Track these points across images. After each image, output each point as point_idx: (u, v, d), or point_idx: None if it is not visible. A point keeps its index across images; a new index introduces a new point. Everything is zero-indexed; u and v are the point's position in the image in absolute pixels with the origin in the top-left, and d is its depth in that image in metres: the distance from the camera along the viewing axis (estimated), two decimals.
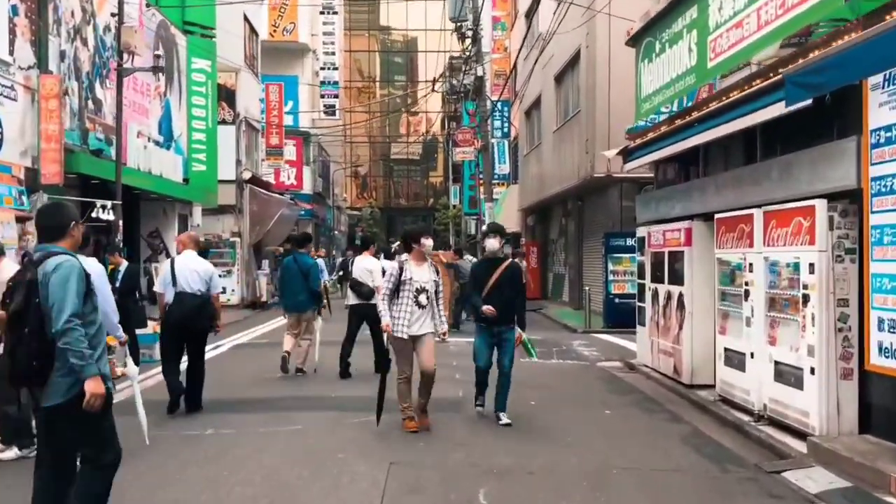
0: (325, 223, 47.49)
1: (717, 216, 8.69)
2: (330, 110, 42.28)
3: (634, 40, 12.09)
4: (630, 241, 16.79)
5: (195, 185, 20.63)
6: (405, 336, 7.34)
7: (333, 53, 42.87)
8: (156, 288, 8.94)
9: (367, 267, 10.53)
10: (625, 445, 7.19)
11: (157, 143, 17.92)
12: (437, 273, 7.69)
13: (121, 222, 14.19)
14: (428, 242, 7.59)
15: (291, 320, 10.91)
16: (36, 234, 4.72)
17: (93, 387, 3.92)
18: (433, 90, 28.27)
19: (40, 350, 3.94)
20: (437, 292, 7.54)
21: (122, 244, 13.63)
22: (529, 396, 9.28)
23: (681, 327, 9.81)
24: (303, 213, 37.84)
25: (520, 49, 25.50)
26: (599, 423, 8.25)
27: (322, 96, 42.17)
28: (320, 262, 12.69)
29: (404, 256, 7.76)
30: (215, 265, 23.82)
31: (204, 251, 10.12)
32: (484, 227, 31.89)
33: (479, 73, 28.37)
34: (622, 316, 16.43)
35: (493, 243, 8.17)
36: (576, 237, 23.30)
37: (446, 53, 45.68)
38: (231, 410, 8.51)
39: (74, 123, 14.25)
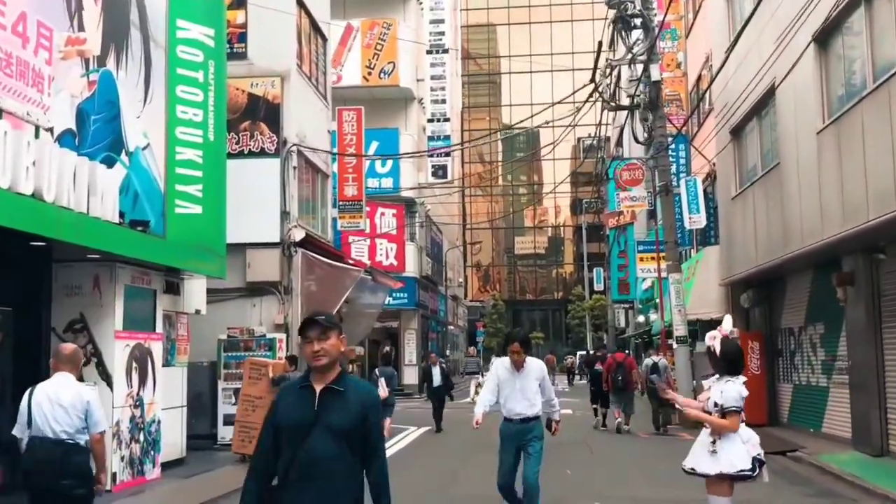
0: (436, 315, 37.75)
1: None
2: (440, 171, 33.29)
3: None
4: None
5: (178, 238, 11.43)
6: None
7: (444, 101, 34.16)
8: (14, 431, 5.83)
9: None
10: None
11: (58, 140, 8.85)
12: None
13: None
14: None
15: None
16: None
17: None
18: (595, 90, 18.46)
19: None
20: None
21: None
22: None
23: None
24: (403, 298, 28.58)
25: (737, 37, 15.88)
26: None
27: (430, 155, 33.31)
28: None
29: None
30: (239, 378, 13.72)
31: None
32: (649, 320, 21.48)
33: (655, 76, 18.54)
34: None
35: None
36: (868, 322, 12.58)
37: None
38: None
39: None
